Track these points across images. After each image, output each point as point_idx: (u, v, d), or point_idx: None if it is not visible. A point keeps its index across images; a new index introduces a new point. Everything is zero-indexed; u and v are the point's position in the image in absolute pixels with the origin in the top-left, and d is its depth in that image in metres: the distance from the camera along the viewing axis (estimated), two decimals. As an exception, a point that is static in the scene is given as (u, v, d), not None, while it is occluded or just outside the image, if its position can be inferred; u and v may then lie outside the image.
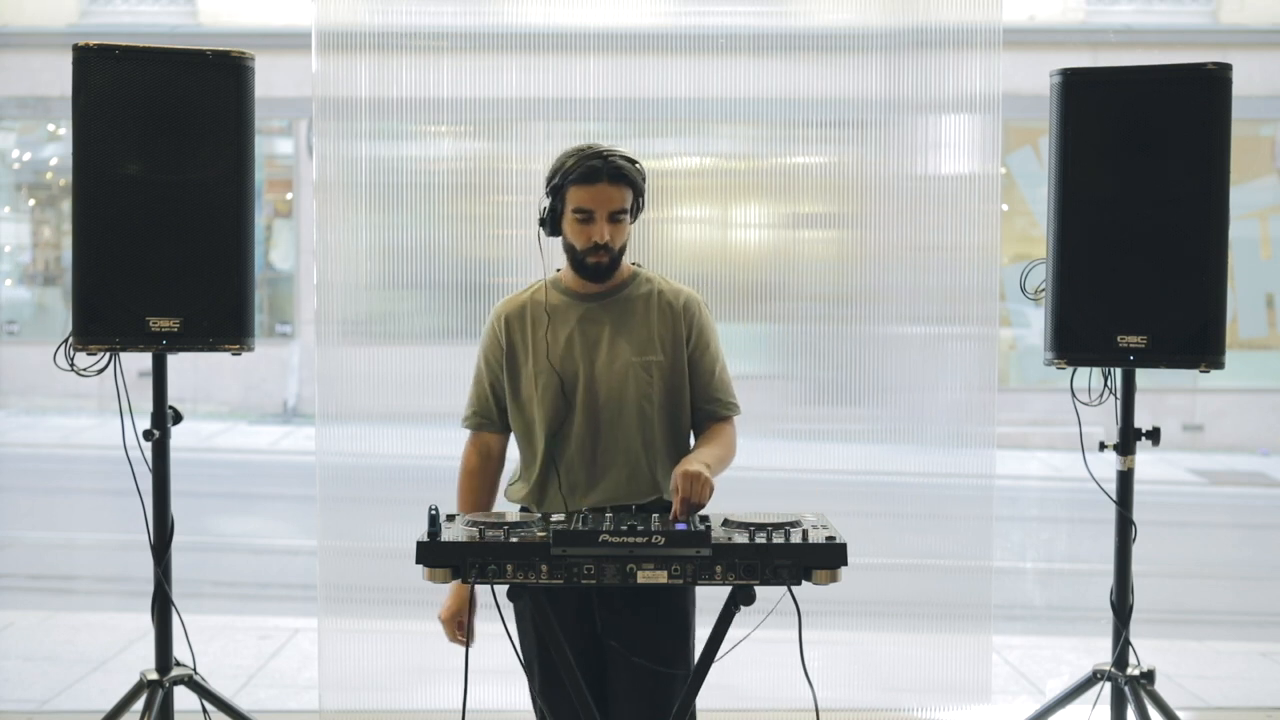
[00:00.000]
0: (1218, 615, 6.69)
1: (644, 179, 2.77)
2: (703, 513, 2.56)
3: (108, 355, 3.15)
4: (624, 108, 4.29)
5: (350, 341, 4.20)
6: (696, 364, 2.83)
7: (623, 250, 2.77)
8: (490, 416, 2.86)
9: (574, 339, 2.77)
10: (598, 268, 2.74)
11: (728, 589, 2.41)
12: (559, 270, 2.86)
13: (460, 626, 2.76)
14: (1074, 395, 3.38)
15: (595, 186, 2.67)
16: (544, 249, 2.82)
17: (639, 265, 2.90)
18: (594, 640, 2.72)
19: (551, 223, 2.75)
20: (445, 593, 2.79)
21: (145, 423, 3.20)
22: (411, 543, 2.35)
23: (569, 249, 2.75)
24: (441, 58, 4.19)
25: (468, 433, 2.91)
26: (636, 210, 2.77)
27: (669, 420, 2.79)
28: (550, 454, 2.75)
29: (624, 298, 2.81)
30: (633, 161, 2.73)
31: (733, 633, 2.52)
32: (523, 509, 2.80)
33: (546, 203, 2.75)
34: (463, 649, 2.69)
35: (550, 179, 2.74)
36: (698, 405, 2.84)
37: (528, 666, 2.76)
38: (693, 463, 2.58)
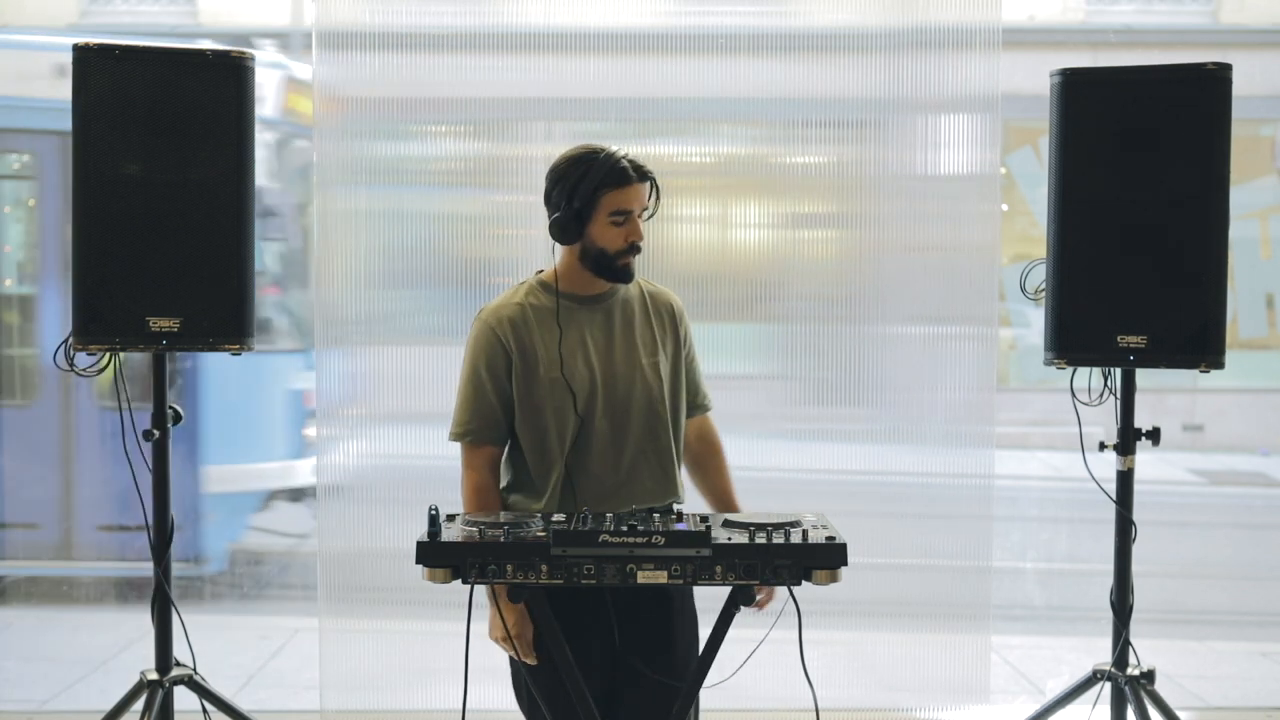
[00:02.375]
0: (1218, 615, 6.69)
1: None
2: (703, 513, 2.57)
3: (108, 355, 3.15)
4: (624, 108, 4.29)
5: (350, 341, 4.20)
6: (690, 364, 2.89)
7: None
8: (495, 428, 2.76)
9: (587, 343, 2.74)
10: (628, 269, 2.73)
11: (727, 589, 2.41)
12: (541, 272, 2.82)
13: (529, 644, 2.66)
14: (1074, 395, 3.38)
15: (630, 188, 2.68)
16: (554, 254, 2.78)
17: None
18: (610, 645, 2.70)
19: (576, 229, 2.70)
20: (440, 591, 2.76)
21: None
22: (412, 543, 2.35)
23: (595, 254, 2.70)
24: (442, 58, 4.19)
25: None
26: (655, 205, 2.78)
27: (673, 419, 2.81)
28: (570, 462, 2.71)
29: (621, 299, 2.81)
30: None
31: (741, 633, 2.52)
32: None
33: (561, 210, 2.69)
34: (465, 649, 2.68)
35: (574, 186, 2.67)
36: (687, 400, 2.88)
37: (526, 669, 2.74)
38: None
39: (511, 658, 2.74)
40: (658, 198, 2.76)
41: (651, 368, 2.77)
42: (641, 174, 2.70)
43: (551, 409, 2.71)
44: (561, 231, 2.71)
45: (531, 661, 2.67)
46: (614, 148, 2.71)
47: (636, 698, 2.70)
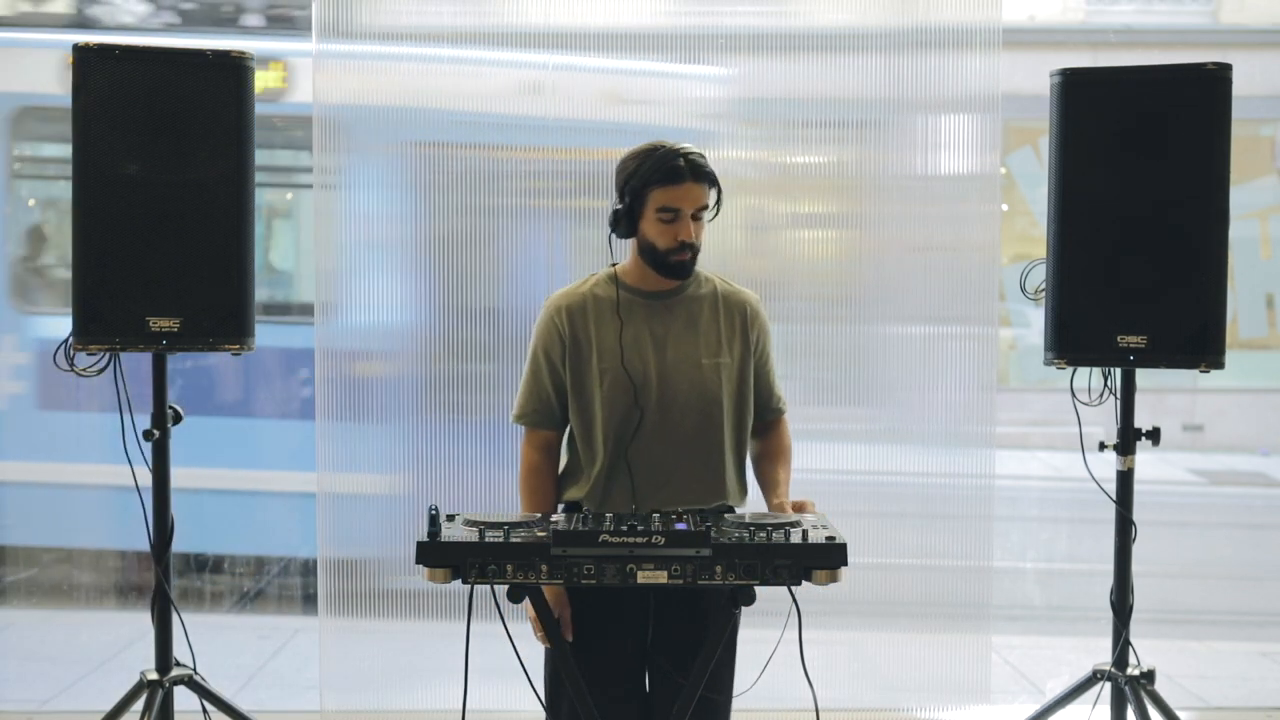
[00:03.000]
0: (1218, 615, 6.69)
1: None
2: (704, 513, 2.56)
3: (108, 355, 3.15)
4: (624, 107, 4.29)
5: (349, 340, 4.20)
6: (761, 368, 2.85)
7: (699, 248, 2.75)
8: (550, 413, 2.80)
9: (643, 338, 2.74)
10: (681, 266, 2.72)
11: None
12: (615, 265, 2.82)
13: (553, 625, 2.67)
14: (1074, 395, 3.38)
15: (681, 186, 2.65)
16: (613, 248, 2.79)
17: None
18: (643, 656, 2.71)
19: (628, 224, 2.72)
20: (439, 591, 2.77)
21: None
22: (412, 543, 2.35)
23: (648, 249, 2.72)
24: (442, 61, 4.19)
25: (521, 430, 2.85)
26: (717, 207, 2.76)
27: (735, 422, 2.78)
28: (618, 454, 2.72)
29: (689, 297, 2.79)
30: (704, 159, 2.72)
31: (743, 634, 2.52)
32: (567, 507, 2.79)
33: (620, 205, 2.72)
34: (465, 649, 2.67)
35: (626, 181, 2.70)
36: (759, 404, 2.86)
37: (552, 708, 2.74)
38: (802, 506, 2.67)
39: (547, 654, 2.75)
40: (719, 198, 2.74)
41: (712, 368, 2.75)
42: (697, 173, 2.66)
43: (602, 399, 2.72)
44: (614, 225, 2.74)
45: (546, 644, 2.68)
46: (677, 144, 2.70)
47: (669, 699, 2.68)
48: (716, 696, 2.68)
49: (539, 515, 2.58)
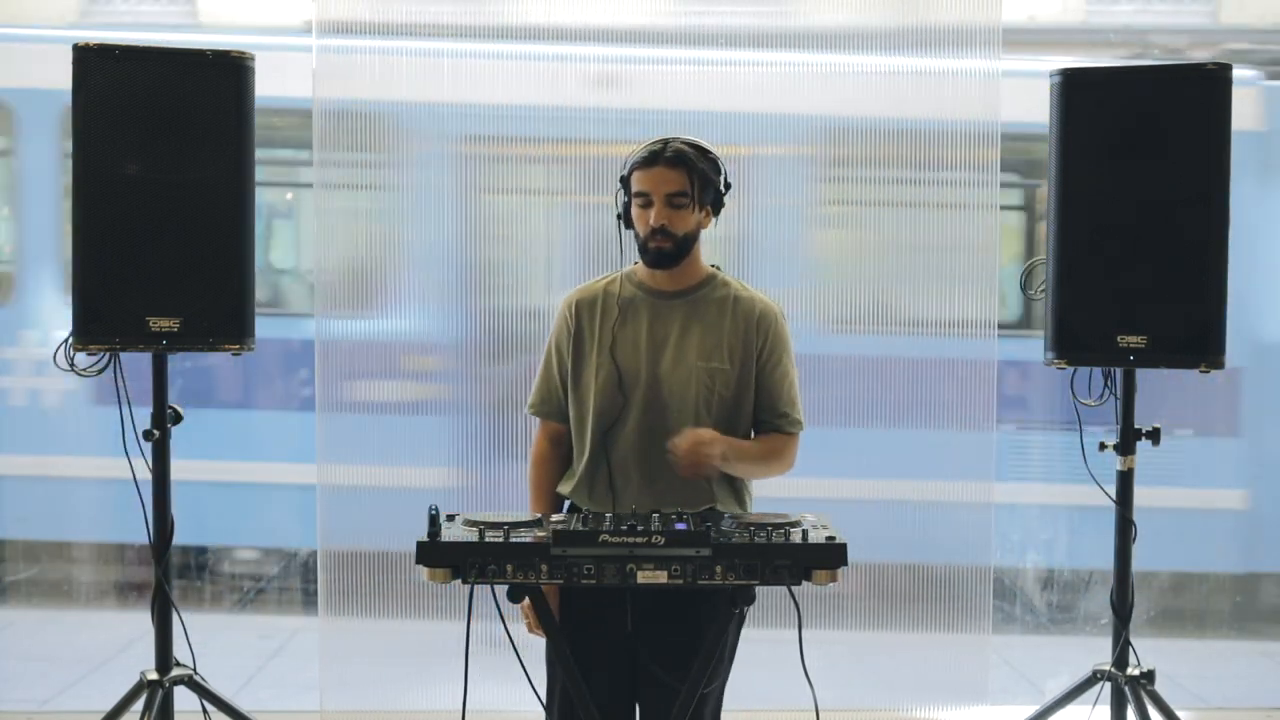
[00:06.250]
0: (1218, 615, 6.68)
1: (717, 171, 2.73)
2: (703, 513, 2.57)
3: (107, 355, 3.15)
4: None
5: (350, 339, 4.20)
6: (765, 377, 2.78)
7: (689, 240, 2.70)
8: (558, 405, 2.82)
9: (641, 336, 2.74)
10: (659, 254, 2.68)
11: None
12: (636, 264, 2.82)
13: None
14: (1074, 395, 3.38)
15: (653, 170, 2.66)
16: (623, 243, 2.80)
17: (718, 268, 2.85)
18: (627, 651, 2.70)
19: (626, 215, 2.74)
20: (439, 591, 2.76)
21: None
22: (412, 542, 2.35)
23: (636, 238, 2.73)
24: (442, 56, 4.19)
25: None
26: (711, 201, 2.73)
27: (724, 430, 2.71)
28: (602, 448, 2.73)
29: (699, 299, 2.77)
30: (704, 151, 2.70)
31: (745, 632, 2.51)
32: (570, 504, 2.79)
33: (622, 196, 2.75)
34: (464, 649, 2.67)
35: (621, 171, 2.74)
36: (760, 417, 2.79)
37: (549, 708, 2.74)
38: (708, 434, 2.63)
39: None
40: (715, 195, 2.72)
41: (707, 372, 2.71)
42: (671, 158, 2.65)
43: (595, 394, 2.73)
44: (622, 218, 2.77)
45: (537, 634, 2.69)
46: (675, 136, 2.71)
47: (655, 701, 2.68)
48: (704, 690, 2.65)
49: (539, 515, 2.58)
